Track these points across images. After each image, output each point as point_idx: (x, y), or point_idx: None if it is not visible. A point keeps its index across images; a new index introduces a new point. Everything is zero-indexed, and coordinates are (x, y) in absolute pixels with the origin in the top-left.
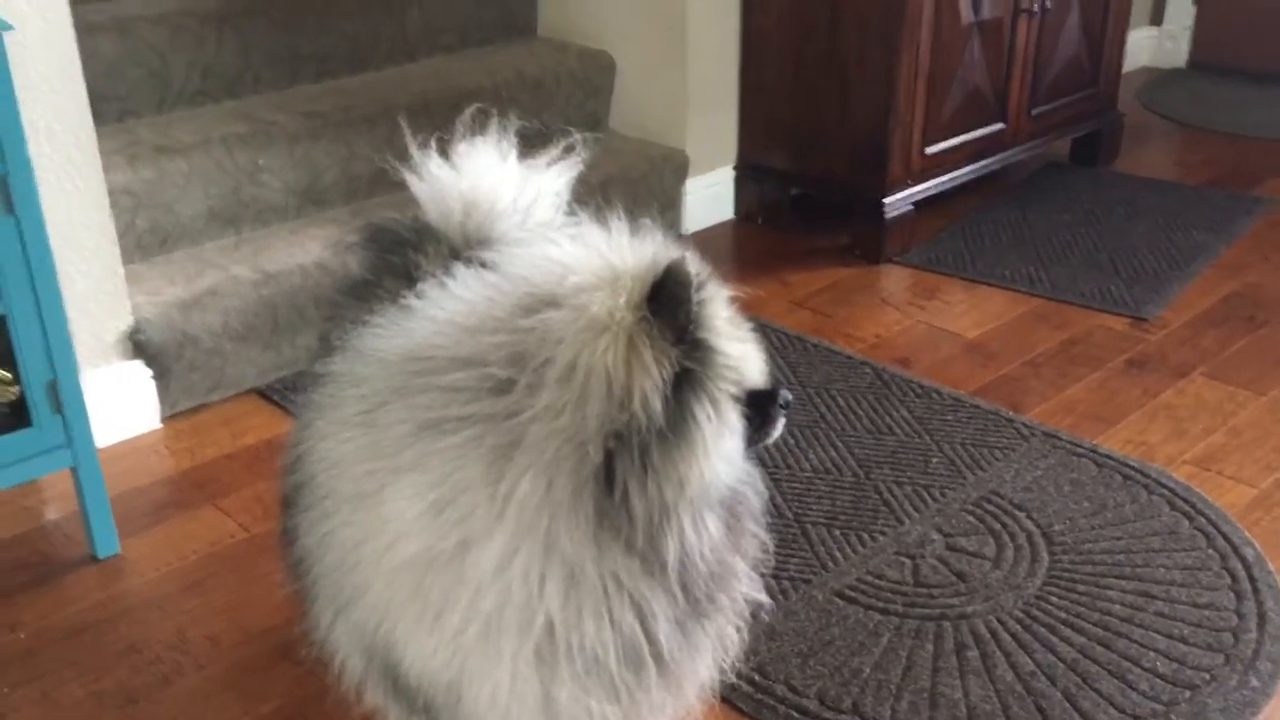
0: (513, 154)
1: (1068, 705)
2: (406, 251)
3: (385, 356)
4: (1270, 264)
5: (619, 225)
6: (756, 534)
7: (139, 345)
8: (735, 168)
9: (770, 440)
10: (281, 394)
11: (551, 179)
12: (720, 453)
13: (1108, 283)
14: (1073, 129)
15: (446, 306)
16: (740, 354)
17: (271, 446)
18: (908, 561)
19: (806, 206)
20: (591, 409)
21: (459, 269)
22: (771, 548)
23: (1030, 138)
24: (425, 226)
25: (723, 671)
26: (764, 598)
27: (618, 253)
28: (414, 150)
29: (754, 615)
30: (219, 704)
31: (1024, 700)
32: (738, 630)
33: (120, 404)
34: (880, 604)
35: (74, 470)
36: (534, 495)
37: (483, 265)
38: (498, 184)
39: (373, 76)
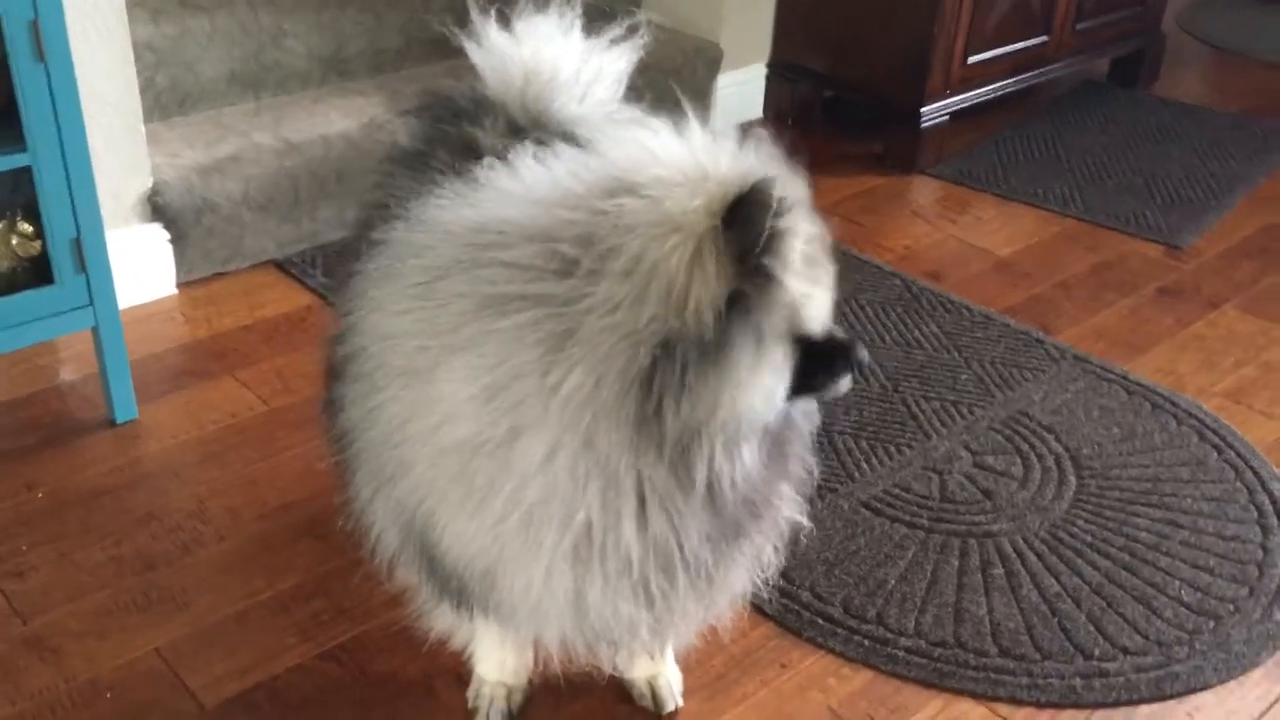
0: (576, 27)
1: (1092, 628)
2: (463, 123)
3: (451, 227)
4: None
5: (727, 131)
6: (803, 458)
7: (157, 208)
8: (769, 65)
9: (834, 395)
10: (300, 267)
11: (614, 58)
12: (757, 387)
13: (1143, 208)
14: (1114, 48)
15: (524, 180)
16: (803, 294)
17: (290, 320)
18: (935, 477)
19: (838, 110)
20: (648, 309)
21: (530, 147)
22: (815, 470)
23: (1072, 53)
24: (484, 99)
25: (756, 586)
26: (805, 520)
27: (712, 155)
28: (475, 16)
29: (793, 535)
30: (240, 576)
31: (1048, 620)
32: (775, 549)
33: (136, 267)
34: (907, 517)
35: (95, 331)
36: (581, 391)
37: (546, 143)
38: (560, 55)
39: None
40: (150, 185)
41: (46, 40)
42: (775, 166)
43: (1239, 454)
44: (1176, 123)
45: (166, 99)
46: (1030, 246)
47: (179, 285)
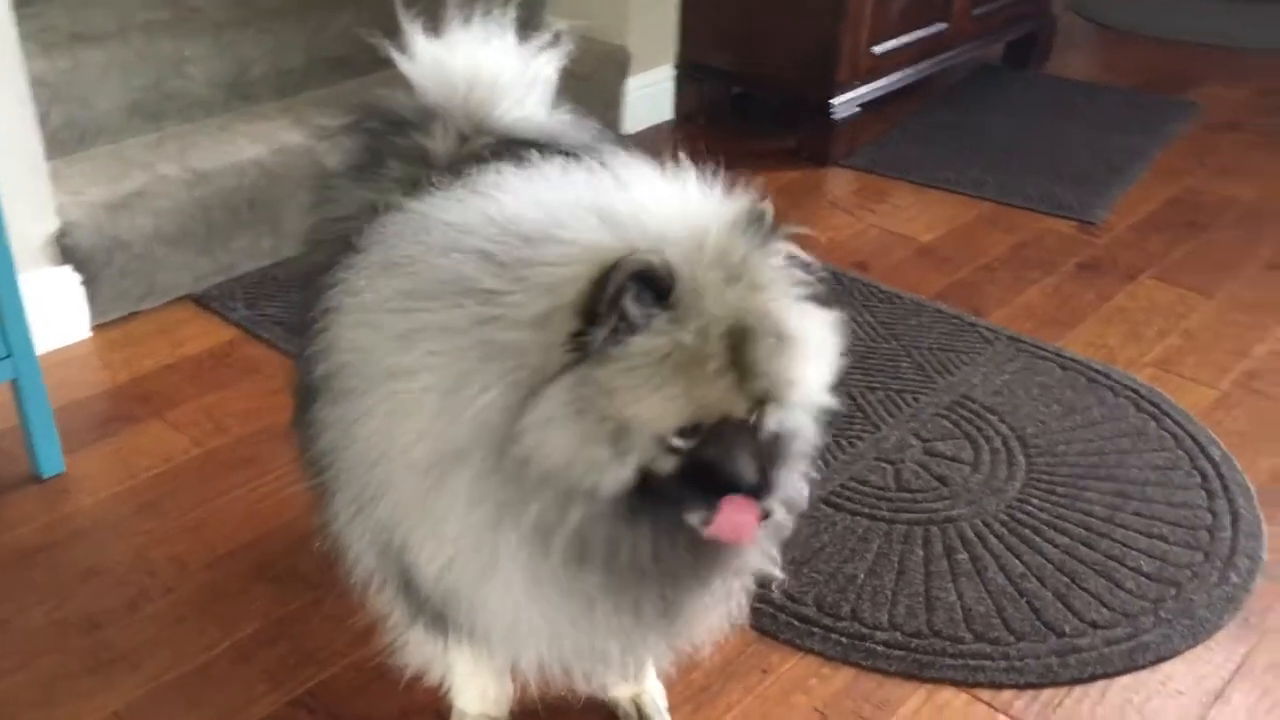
0: (510, 33)
1: (1060, 605)
2: (410, 133)
3: (432, 241)
4: (1206, 169)
5: (730, 196)
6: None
7: (66, 249)
8: (676, 66)
9: (689, 519)
10: (219, 300)
11: (545, 62)
12: (560, 446)
13: (1051, 186)
14: (1009, 31)
15: (523, 187)
16: (626, 388)
17: (214, 356)
18: (889, 467)
19: (747, 108)
20: (537, 328)
21: (520, 161)
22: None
23: (970, 39)
24: (427, 108)
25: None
26: (777, 572)
27: (669, 213)
28: (406, 27)
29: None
30: (194, 628)
31: (1017, 601)
32: (738, 595)
33: (47, 312)
34: (866, 510)
35: (14, 384)
36: (495, 409)
37: (494, 150)
38: (499, 61)
39: None
40: (57, 226)
41: None
42: (727, 261)
43: (1175, 421)
44: (1073, 101)
45: (64, 135)
46: (950, 231)
47: (93, 328)
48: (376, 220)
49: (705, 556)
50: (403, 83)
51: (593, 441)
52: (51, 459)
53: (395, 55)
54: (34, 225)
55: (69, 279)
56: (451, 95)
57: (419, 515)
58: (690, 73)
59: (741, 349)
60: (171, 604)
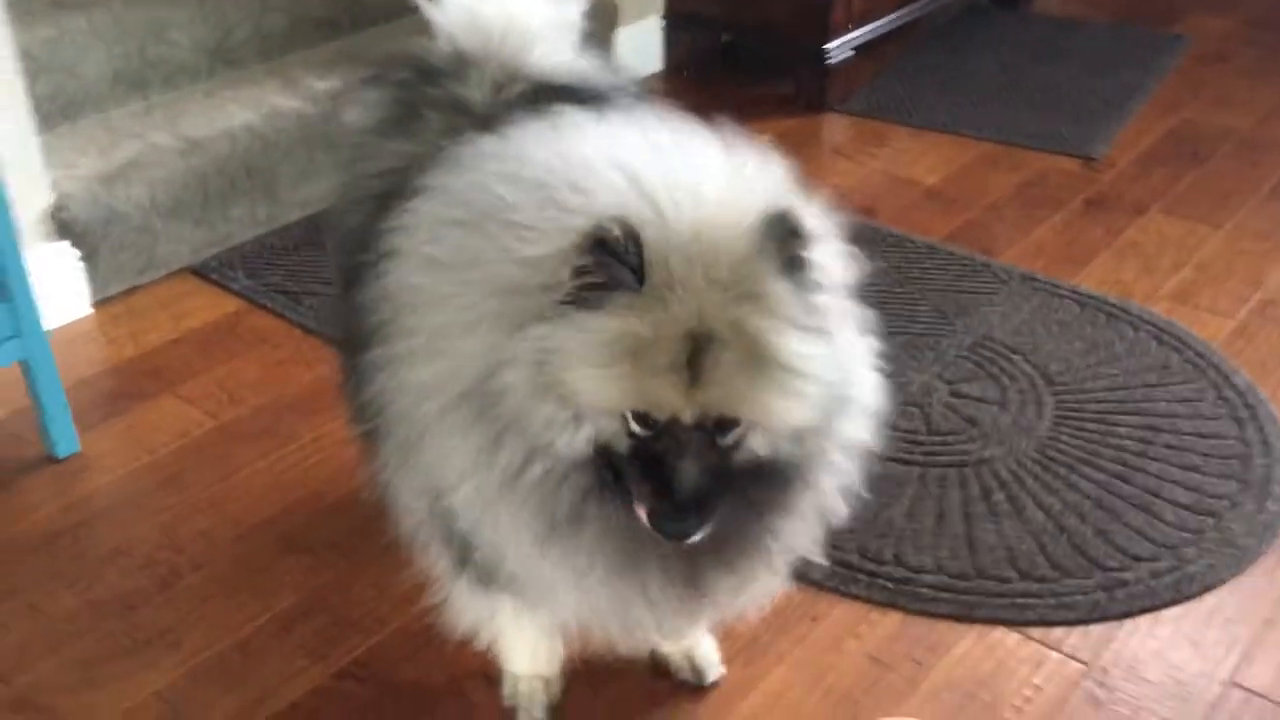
0: None
1: (1102, 540)
2: (446, 83)
3: (490, 172)
4: (1201, 100)
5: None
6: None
7: (63, 224)
8: (664, 16)
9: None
10: (220, 271)
11: (571, 8)
12: (520, 391)
13: (1051, 124)
14: None
15: (565, 138)
16: (576, 363)
17: (219, 328)
18: (917, 411)
19: (734, 56)
20: (537, 276)
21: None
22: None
23: None
24: (462, 56)
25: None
26: (819, 558)
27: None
28: None
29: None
30: (229, 603)
31: (1058, 539)
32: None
33: (47, 289)
34: (900, 455)
35: (24, 365)
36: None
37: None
38: (532, 7)
39: None
40: (52, 200)
41: None
42: (714, 251)
43: (1198, 353)
44: (1062, 38)
45: (49, 107)
46: (954, 173)
47: (93, 304)
48: (425, 169)
49: (682, 556)
50: (396, 37)
51: (547, 398)
52: (66, 439)
53: (423, 4)
54: (29, 201)
55: (67, 254)
56: (486, 43)
57: (453, 453)
58: (679, 22)
59: (701, 354)
60: (203, 580)
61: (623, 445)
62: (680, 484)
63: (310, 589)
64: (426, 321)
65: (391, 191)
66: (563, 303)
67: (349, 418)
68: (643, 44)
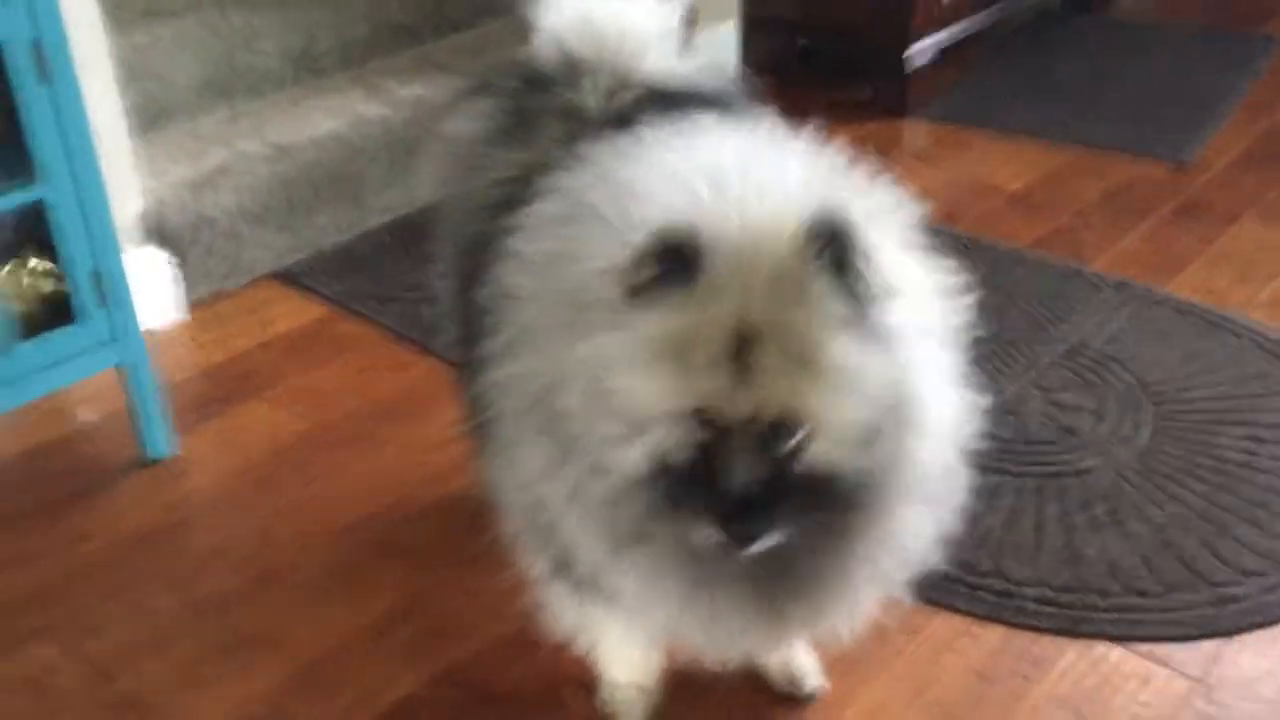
0: None
1: (1209, 554)
2: (559, 90)
3: (596, 175)
4: None
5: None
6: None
7: (153, 230)
8: (742, 19)
9: (712, 539)
10: (306, 277)
11: (672, 13)
12: (581, 403)
13: (1137, 129)
14: None
15: (668, 150)
16: (624, 364)
17: (306, 334)
18: (1012, 419)
19: (812, 60)
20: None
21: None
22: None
23: None
24: (576, 63)
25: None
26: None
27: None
28: None
29: None
30: (326, 605)
31: (1163, 552)
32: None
33: (139, 294)
34: (996, 464)
35: (122, 368)
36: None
37: (665, 109)
38: (645, 13)
39: None
40: (143, 207)
41: (51, 60)
42: (770, 254)
43: None
44: (1142, 42)
45: (139, 114)
46: (1038, 179)
47: (182, 309)
48: (544, 175)
49: (759, 582)
50: (477, 43)
51: (603, 414)
52: (162, 442)
53: (536, 8)
54: (122, 207)
55: (157, 259)
56: (600, 49)
57: (525, 452)
58: (756, 25)
59: (746, 351)
60: (301, 582)
61: (681, 459)
62: (734, 482)
63: (406, 593)
64: (518, 318)
65: (510, 199)
66: (618, 310)
67: (462, 412)
68: (720, 47)
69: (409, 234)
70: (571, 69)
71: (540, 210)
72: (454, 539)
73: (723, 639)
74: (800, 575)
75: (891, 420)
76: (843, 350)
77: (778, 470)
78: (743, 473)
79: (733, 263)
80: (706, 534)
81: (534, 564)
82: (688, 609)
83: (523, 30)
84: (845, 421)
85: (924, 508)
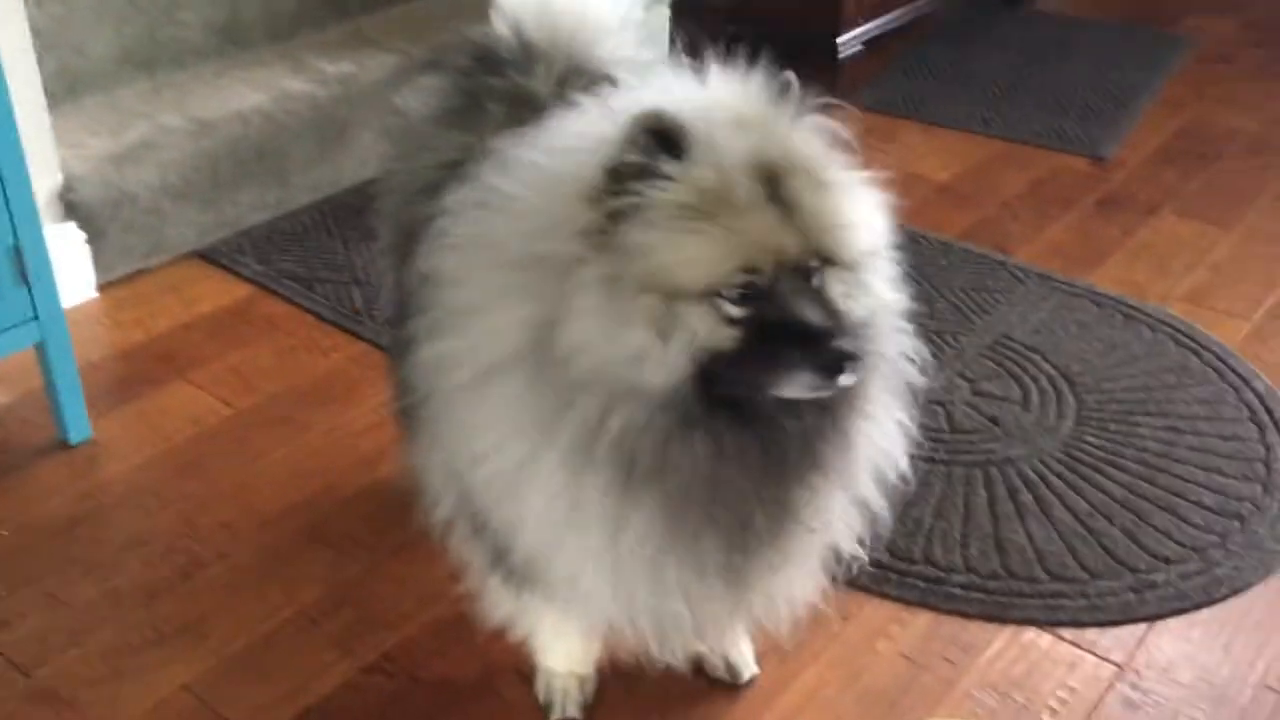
0: None
1: (1130, 542)
2: (511, 74)
3: (501, 162)
4: (1207, 100)
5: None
6: (848, 490)
7: (71, 205)
8: (671, 5)
9: (799, 389)
10: (229, 256)
11: (633, 4)
12: (614, 331)
13: (1059, 122)
14: None
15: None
16: (664, 244)
17: (231, 314)
18: (940, 409)
19: (741, 47)
20: (555, 234)
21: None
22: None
23: None
24: (531, 47)
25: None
26: (862, 553)
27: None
28: None
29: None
30: (254, 594)
31: (1087, 539)
32: (813, 571)
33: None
34: (925, 453)
35: (40, 347)
36: (525, 327)
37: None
38: (601, 4)
39: None
40: (61, 181)
41: None
42: (737, 112)
43: (1216, 355)
44: (1068, 37)
45: (55, 85)
46: (965, 170)
47: (99, 287)
48: (479, 160)
49: (772, 481)
50: (409, 19)
51: (632, 323)
52: (79, 424)
53: None
54: (39, 181)
55: (73, 236)
56: (555, 35)
57: (465, 435)
58: (685, 10)
59: (776, 184)
60: (227, 570)
61: (727, 341)
62: (814, 317)
63: (336, 581)
64: (445, 299)
65: (449, 181)
66: (607, 224)
67: (391, 396)
68: (649, 33)
69: (337, 214)
70: (526, 53)
71: (463, 197)
72: (384, 525)
73: (682, 616)
74: (803, 471)
75: (875, 271)
76: (842, 171)
77: (827, 305)
78: (815, 308)
79: (712, 128)
80: (798, 381)
81: (468, 553)
82: (658, 578)
83: (458, 5)
84: (876, 238)
85: (893, 416)
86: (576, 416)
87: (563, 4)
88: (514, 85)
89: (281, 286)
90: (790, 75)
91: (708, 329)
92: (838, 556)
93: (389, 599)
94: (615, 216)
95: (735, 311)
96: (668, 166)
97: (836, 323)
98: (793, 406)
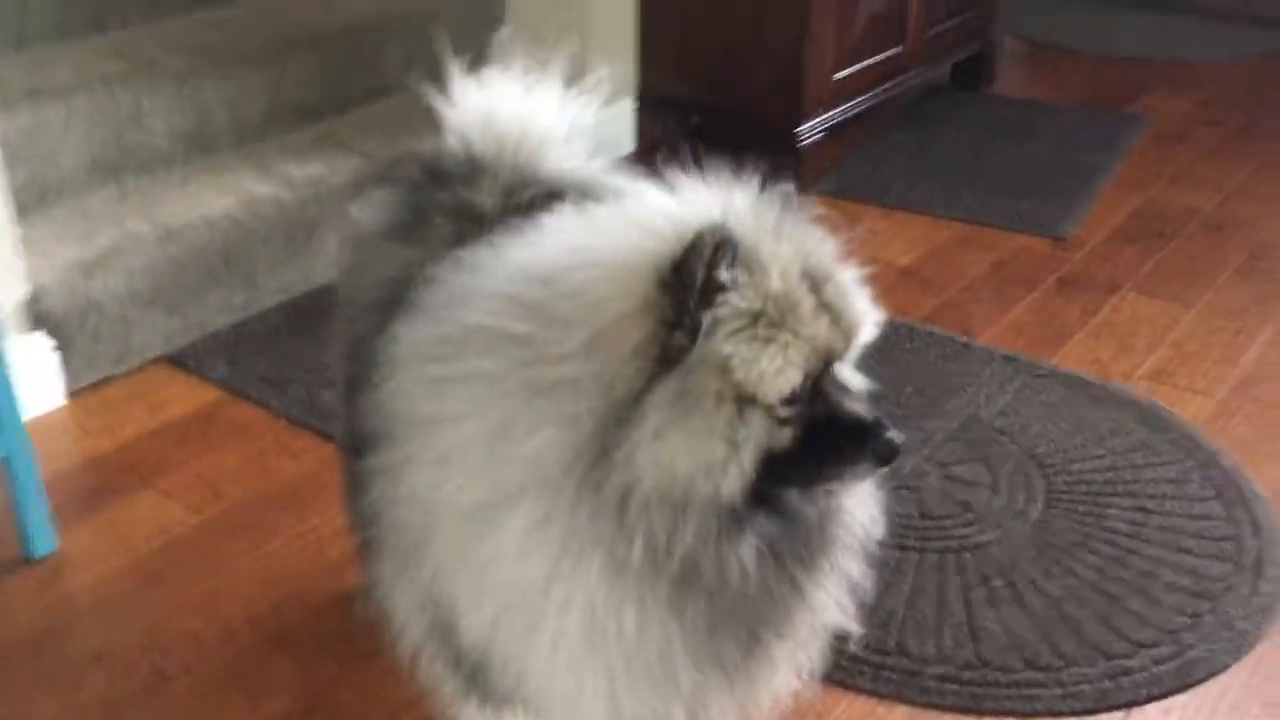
0: (557, 81)
1: (1104, 627)
2: (456, 187)
3: (461, 289)
4: (1164, 179)
5: (746, 186)
6: (853, 565)
7: (39, 315)
8: (636, 99)
9: (847, 481)
10: (196, 359)
11: (582, 111)
12: (681, 449)
13: (1019, 204)
14: (958, 51)
15: (551, 233)
16: (742, 355)
17: (199, 419)
18: (910, 494)
19: (705, 138)
20: (589, 355)
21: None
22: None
23: (923, 60)
24: (475, 160)
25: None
26: (854, 627)
27: (690, 206)
28: (452, 73)
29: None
30: (218, 706)
31: (1060, 626)
32: (811, 655)
33: (22, 382)
34: (896, 540)
35: (4, 462)
36: (548, 450)
37: (541, 208)
38: (548, 112)
39: (250, 6)
40: (29, 290)
41: None
42: (763, 219)
43: (1182, 433)
44: (1026, 120)
45: (25, 195)
46: (927, 253)
47: (69, 394)
48: (426, 277)
49: (800, 582)
50: (375, 120)
51: (709, 436)
52: (44, 538)
53: (439, 104)
54: (6, 292)
55: (42, 345)
56: (501, 147)
57: (461, 567)
58: (651, 105)
59: (819, 289)
60: (192, 683)
61: (783, 441)
62: (866, 406)
63: (304, 692)
64: (421, 435)
65: (395, 300)
66: (684, 340)
67: (349, 523)
68: (614, 126)
69: (305, 315)
70: (472, 166)
71: (427, 326)
72: (353, 633)
73: (703, 707)
74: (819, 556)
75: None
76: (853, 274)
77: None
78: (859, 402)
79: (760, 241)
80: (857, 472)
81: (439, 676)
82: (672, 682)
83: (425, 110)
84: (867, 344)
85: (867, 489)
86: (638, 537)
87: (507, 115)
88: (459, 199)
89: (250, 388)
90: (790, 187)
91: (768, 432)
92: (836, 637)
93: (357, 709)
94: (694, 332)
95: (786, 412)
96: (738, 277)
97: (879, 414)
98: (813, 494)
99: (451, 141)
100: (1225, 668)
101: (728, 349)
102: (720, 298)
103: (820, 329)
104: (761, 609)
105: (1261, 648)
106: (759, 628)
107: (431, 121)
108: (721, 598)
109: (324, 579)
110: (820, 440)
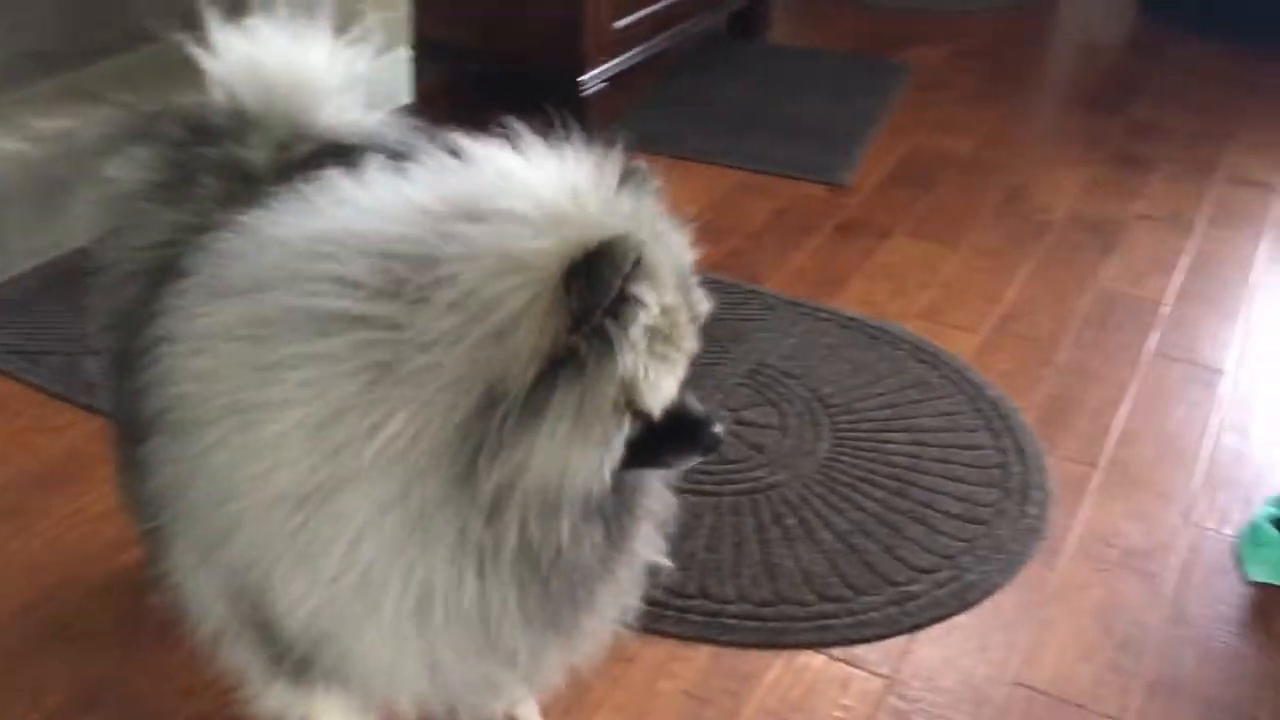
0: (325, 29)
1: (888, 556)
2: (225, 144)
3: (282, 243)
4: (926, 126)
5: (601, 159)
6: (660, 504)
7: None
8: (413, 46)
9: (678, 468)
10: None
11: (355, 60)
12: (573, 456)
13: (797, 151)
14: (734, 1)
15: (373, 192)
16: (643, 370)
17: None
18: None
19: (486, 87)
20: (472, 349)
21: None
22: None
23: (701, 8)
24: (244, 114)
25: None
26: (665, 561)
27: (583, 195)
28: (212, 24)
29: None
30: None
31: (849, 557)
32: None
33: None
34: (693, 486)
35: None
36: (400, 438)
37: (341, 164)
38: (320, 62)
39: None
40: None
41: None
42: (648, 220)
43: (953, 369)
44: (801, 67)
45: None
46: (711, 202)
47: None
48: (199, 242)
49: (623, 541)
50: (131, 70)
51: (601, 442)
52: None
53: (201, 56)
54: None
55: None
56: (271, 99)
57: (283, 552)
58: (427, 52)
59: (689, 293)
60: None
61: (634, 433)
62: (700, 402)
63: (85, 681)
64: (229, 420)
65: (164, 267)
66: (587, 349)
67: (128, 511)
68: (391, 75)
69: (62, 279)
70: (240, 120)
71: (217, 302)
72: (133, 615)
73: (504, 679)
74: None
75: None
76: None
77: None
78: (694, 397)
79: (649, 248)
80: (688, 460)
81: (244, 659)
82: (498, 645)
83: (183, 58)
84: None
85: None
86: (512, 532)
87: (275, 65)
88: (227, 155)
89: (4, 362)
90: (642, 163)
91: (636, 430)
92: (650, 571)
93: (147, 695)
94: (595, 340)
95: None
96: (645, 293)
97: (710, 408)
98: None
99: (216, 94)
100: (999, 587)
101: (635, 366)
102: (629, 311)
103: (691, 337)
104: (595, 570)
105: (1030, 566)
106: (593, 584)
107: (189, 72)
108: (562, 565)
109: (100, 560)
110: (662, 432)
